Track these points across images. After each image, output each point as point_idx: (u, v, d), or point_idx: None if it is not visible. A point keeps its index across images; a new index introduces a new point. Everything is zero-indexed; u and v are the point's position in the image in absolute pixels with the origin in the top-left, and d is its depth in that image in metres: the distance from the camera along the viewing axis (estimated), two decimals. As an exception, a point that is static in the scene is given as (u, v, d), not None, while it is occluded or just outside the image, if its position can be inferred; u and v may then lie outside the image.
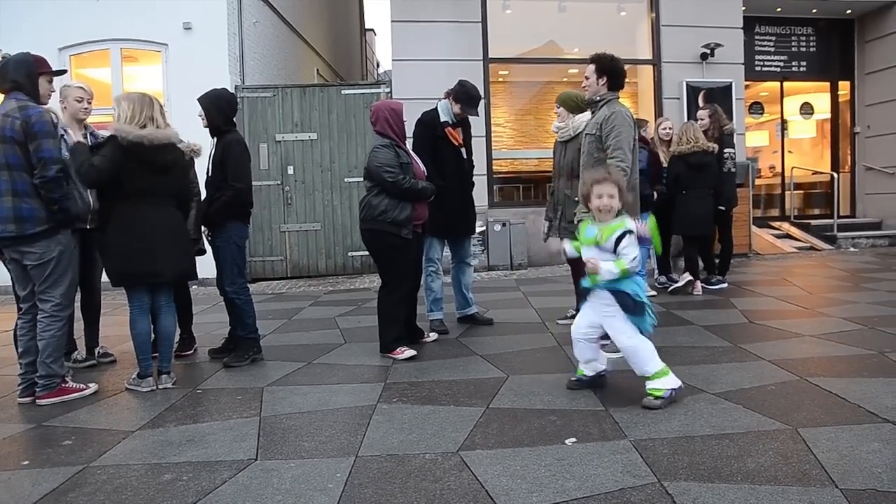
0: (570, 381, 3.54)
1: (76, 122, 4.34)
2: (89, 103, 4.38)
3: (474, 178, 5.30)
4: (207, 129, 4.36)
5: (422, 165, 4.59)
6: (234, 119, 4.45)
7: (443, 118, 4.94)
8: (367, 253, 8.70)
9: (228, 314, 4.46)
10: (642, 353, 3.23)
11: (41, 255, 3.61)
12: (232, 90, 8.51)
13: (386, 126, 4.36)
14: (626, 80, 4.47)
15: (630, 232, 3.18)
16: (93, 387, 3.85)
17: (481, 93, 5.22)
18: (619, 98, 4.37)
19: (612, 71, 4.30)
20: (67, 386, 3.75)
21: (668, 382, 3.21)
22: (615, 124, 4.15)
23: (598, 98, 4.35)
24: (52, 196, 3.59)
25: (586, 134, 4.43)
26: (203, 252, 4.61)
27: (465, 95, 4.93)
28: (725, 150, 6.43)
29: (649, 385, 3.21)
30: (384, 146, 4.32)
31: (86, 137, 4.34)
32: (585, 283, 3.32)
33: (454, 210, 4.90)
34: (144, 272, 3.77)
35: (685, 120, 8.80)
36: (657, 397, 3.18)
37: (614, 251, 3.17)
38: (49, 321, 3.66)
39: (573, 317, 4.83)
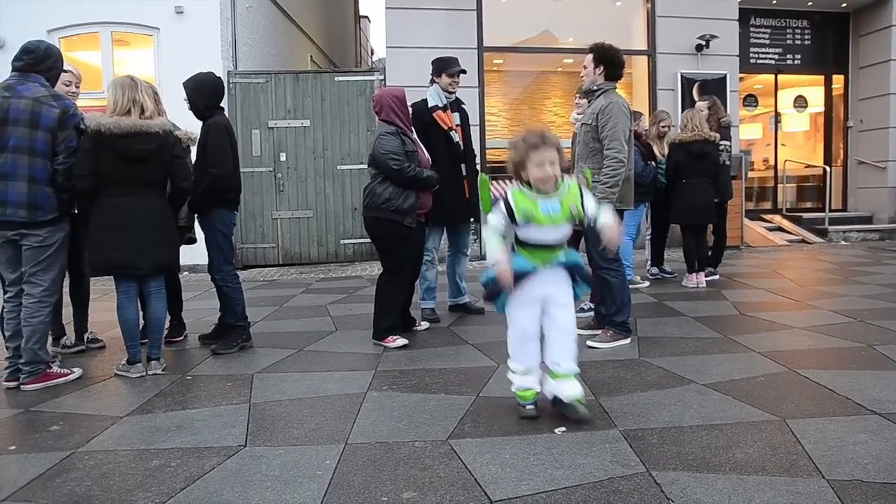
0: (527, 410, 2.92)
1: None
2: (77, 87, 4.33)
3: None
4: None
5: (426, 154, 4.56)
6: (222, 104, 4.33)
7: (431, 103, 4.92)
8: (359, 241, 8.79)
9: (219, 301, 4.44)
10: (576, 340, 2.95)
11: (44, 240, 3.63)
12: (224, 76, 8.44)
13: (391, 113, 4.32)
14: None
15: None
16: (77, 371, 3.83)
17: (476, 81, 5.20)
18: (616, 89, 4.35)
19: (609, 61, 4.28)
20: (52, 371, 3.73)
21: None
22: (611, 115, 4.13)
23: (594, 88, 4.34)
24: (68, 184, 3.66)
25: (583, 123, 4.42)
26: (194, 241, 4.57)
27: (440, 63, 5.00)
28: (721, 143, 6.43)
29: (573, 391, 2.84)
30: (390, 133, 4.27)
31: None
32: (524, 265, 2.84)
33: (450, 196, 4.84)
34: (119, 263, 3.72)
35: (680, 111, 8.80)
36: (584, 404, 2.89)
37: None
38: (37, 307, 3.63)
39: (590, 310, 4.83)
